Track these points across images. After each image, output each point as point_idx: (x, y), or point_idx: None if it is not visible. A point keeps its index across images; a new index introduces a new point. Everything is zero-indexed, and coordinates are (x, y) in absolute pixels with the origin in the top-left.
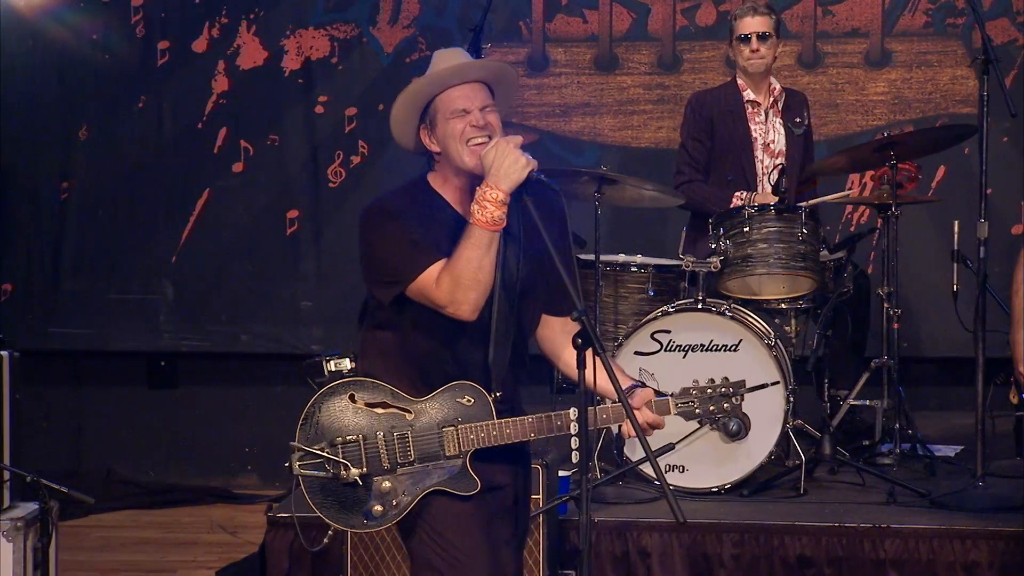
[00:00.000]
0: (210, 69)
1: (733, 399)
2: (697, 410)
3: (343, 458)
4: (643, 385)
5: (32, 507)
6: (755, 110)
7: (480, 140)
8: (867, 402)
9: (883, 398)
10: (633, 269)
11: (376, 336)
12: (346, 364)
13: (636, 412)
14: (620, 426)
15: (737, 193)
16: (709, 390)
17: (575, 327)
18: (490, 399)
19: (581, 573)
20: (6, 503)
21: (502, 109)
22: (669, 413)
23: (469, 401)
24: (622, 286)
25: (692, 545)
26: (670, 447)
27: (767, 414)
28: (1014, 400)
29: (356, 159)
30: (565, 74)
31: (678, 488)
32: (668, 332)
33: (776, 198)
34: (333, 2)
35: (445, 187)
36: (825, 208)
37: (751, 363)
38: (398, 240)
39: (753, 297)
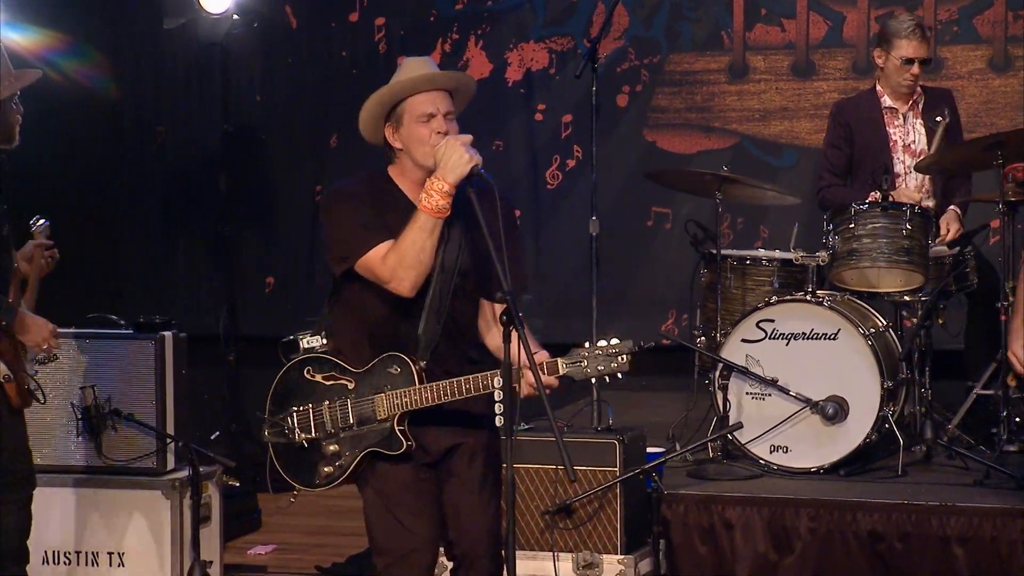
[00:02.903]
0: None
1: (619, 358)
2: (587, 369)
3: (296, 425)
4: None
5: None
6: (892, 115)
7: None
8: (993, 392)
9: (1004, 389)
10: (762, 263)
11: (337, 311)
12: (317, 340)
13: (528, 372)
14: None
15: (872, 193)
16: (597, 351)
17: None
18: (414, 368)
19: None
20: (170, 466)
21: (459, 113)
22: (559, 372)
23: (396, 370)
24: (750, 278)
25: (772, 518)
26: (739, 425)
27: (865, 400)
28: (1011, 383)
29: (571, 162)
30: (764, 80)
31: (782, 467)
32: (772, 321)
33: (917, 196)
34: (551, 17)
35: (402, 179)
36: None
37: (849, 351)
38: (350, 221)
39: (871, 290)
